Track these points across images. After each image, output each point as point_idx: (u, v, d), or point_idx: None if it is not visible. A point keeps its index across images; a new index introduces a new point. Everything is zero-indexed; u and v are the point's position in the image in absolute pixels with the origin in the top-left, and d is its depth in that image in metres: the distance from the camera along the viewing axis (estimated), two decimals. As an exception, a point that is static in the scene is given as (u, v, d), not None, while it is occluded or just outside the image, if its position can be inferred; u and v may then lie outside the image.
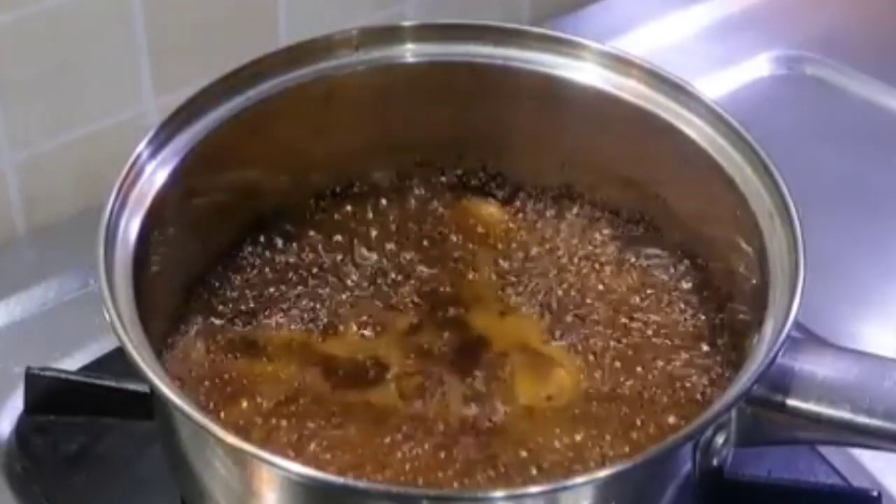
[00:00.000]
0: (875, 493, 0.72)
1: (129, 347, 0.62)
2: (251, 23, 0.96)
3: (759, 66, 1.06)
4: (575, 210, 0.81)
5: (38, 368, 0.75)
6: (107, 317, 0.63)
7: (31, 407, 0.76)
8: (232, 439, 0.60)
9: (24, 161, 0.91)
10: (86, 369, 0.80)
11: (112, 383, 0.74)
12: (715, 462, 0.65)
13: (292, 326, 0.74)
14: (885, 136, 1.01)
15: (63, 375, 0.76)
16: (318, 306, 0.75)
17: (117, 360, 0.72)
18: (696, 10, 1.11)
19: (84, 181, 0.93)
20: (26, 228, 0.93)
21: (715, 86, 1.02)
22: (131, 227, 0.68)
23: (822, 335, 0.81)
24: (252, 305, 0.75)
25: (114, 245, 0.67)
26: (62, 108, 0.91)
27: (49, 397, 0.75)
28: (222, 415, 0.69)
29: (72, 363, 0.81)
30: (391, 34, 0.78)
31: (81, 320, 0.84)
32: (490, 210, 0.81)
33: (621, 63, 0.76)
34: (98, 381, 0.75)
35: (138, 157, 0.70)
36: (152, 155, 0.71)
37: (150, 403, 0.68)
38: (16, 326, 0.85)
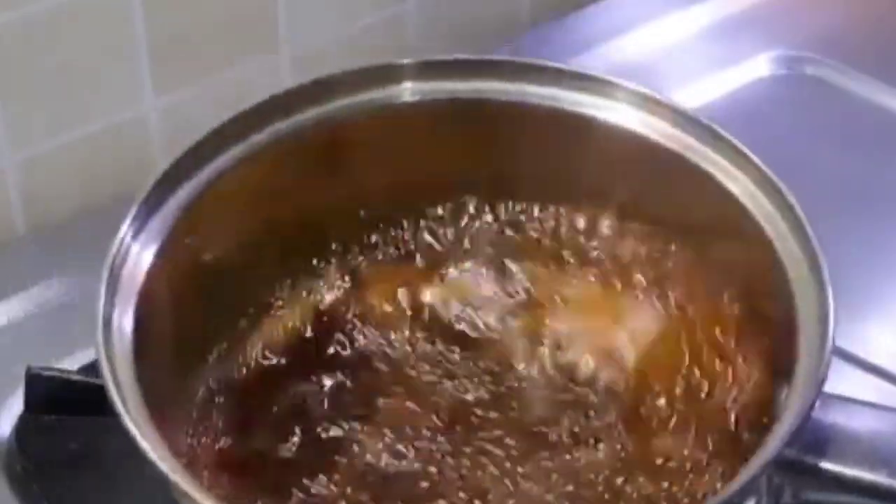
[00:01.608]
0: None
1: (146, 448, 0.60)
2: (251, 23, 0.96)
3: (759, 66, 1.06)
4: (598, 251, 0.77)
5: (39, 368, 0.75)
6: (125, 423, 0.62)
7: (32, 406, 0.76)
8: None
9: (25, 161, 0.91)
10: (86, 369, 0.80)
11: (112, 383, 0.74)
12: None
13: (307, 401, 0.72)
14: (885, 136, 1.01)
15: (63, 375, 0.76)
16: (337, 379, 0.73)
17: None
18: (696, 10, 1.11)
19: (84, 181, 0.93)
20: (26, 228, 0.93)
21: (715, 86, 1.02)
22: (125, 318, 0.65)
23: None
24: (262, 383, 0.73)
25: (110, 338, 0.64)
26: (62, 108, 0.91)
27: (49, 397, 0.75)
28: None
29: (72, 363, 0.81)
30: (392, 72, 0.74)
31: (81, 320, 0.83)
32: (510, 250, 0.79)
33: (650, 103, 0.73)
34: (98, 381, 0.74)
35: (122, 239, 0.66)
36: (135, 235, 0.67)
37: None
38: (16, 326, 0.85)
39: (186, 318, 0.70)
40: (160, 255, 0.67)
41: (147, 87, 0.94)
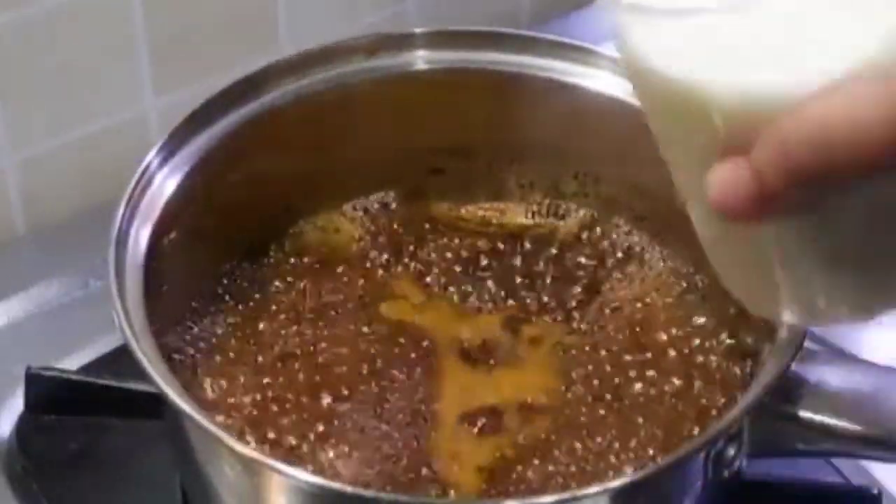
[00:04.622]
0: (876, 492, 0.72)
1: (141, 357, 0.61)
2: (251, 22, 0.96)
3: (758, 66, 1.06)
4: (587, 215, 0.80)
5: (39, 368, 0.75)
6: (123, 334, 0.62)
7: (32, 406, 0.76)
8: (241, 448, 0.60)
9: (25, 161, 0.91)
10: (86, 369, 0.80)
11: (112, 383, 0.74)
12: (726, 473, 0.64)
13: (303, 336, 0.73)
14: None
15: (63, 375, 0.76)
16: (329, 317, 0.75)
17: (117, 360, 0.72)
18: (696, 10, 1.11)
19: (84, 181, 0.93)
20: (26, 228, 0.93)
21: (715, 86, 1.01)
22: (141, 237, 0.68)
23: (821, 335, 0.81)
24: (261, 317, 0.75)
25: (124, 255, 0.66)
26: (62, 108, 0.91)
27: (49, 397, 0.75)
28: (223, 419, 0.69)
29: (72, 363, 0.81)
30: (404, 41, 0.78)
31: (81, 320, 0.84)
32: (508, 213, 0.81)
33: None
34: (98, 381, 0.75)
35: (148, 165, 0.70)
36: (162, 163, 0.70)
37: (149, 403, 0.68)
38: (16, 326, 0.85)
39: (198, 248, 0.73)
40: (183, 184, 0.71)
41: (147, 87, 0.94)
